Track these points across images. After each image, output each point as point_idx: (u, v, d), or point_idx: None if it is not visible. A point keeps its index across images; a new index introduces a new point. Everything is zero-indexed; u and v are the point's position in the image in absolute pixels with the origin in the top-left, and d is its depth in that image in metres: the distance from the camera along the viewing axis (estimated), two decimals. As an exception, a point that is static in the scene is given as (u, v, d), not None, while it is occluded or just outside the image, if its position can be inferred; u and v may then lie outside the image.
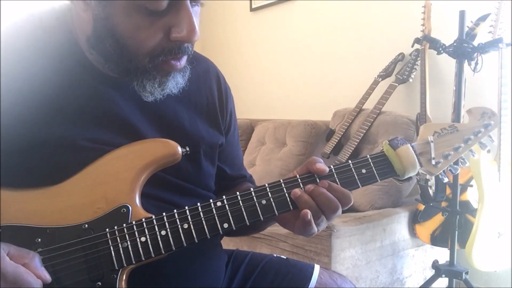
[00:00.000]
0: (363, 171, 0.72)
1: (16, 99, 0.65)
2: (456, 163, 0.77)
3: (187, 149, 0.75)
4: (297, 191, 0.70)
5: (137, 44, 0.66)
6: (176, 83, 0.72)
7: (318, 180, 0.71)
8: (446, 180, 0.79)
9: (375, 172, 0.72)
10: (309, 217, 0.68)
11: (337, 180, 0.72)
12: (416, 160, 0.72)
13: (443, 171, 0.76)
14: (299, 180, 0.71)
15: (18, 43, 0.69)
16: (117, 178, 0.69)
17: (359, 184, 0.72)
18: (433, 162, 0.74)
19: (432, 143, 0.74)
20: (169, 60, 0.69)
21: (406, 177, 0.74)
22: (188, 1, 0.65)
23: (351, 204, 0.71)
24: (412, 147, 0.73)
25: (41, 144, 0.66)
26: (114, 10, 0.64)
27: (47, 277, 0.61)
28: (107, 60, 0.69)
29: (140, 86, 0.70)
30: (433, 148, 0.74)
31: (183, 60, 0.71)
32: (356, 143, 2.05)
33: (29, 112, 0.66)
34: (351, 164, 0.72)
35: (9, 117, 0.65)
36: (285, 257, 0.94)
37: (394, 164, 0.72)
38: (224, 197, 0.70)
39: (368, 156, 0.74)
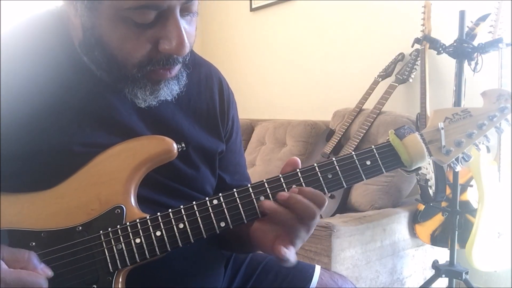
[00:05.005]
0: (368, 162, 0.68)
1: (13, 106, 0.64)
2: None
3: (183, 145, 0.72)
4: (266, 202, 0.65)
5: (124, 55, 0.64)
6: (170, 90, 0.70)
7: (285, 186, 0.67)
8: (458, 168, 0.74)
9: (380, 163, 0.68)
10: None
11: (339, 172, 0.68)
12: (425, 149, 0.68)
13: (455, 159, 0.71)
14: (299, 174, 0.68)
15: (16, 48, 0.67)
16: (110, 178, 0.67)
17: (363, 177, 0.68)
18: (444, 150, 0.69)
19: (442, 130, 0.70)
20: (158, 70, 0.67)
21: (414, 168, 0.70)
22: (177, 13, 0.62)
23: (325, 203, 0.66)
24: (421, 135, 0.69)
25: (36, 150, 0.65)
26: (100, 20, 0.62)
27: (49, 273, 0.61)
28: (98, 68, 0.67)
29: (132, 94, 0.68)
30: (444, 135, 0.69)
31: (175, 70, 0.69)
32: (356, 143, 2.05)
33: (25, 118, 0.65)
34: (354, 156, 0.69)
35: (5, 123, 0.64)
36: (285, 257, 0.93)
37: (400, 155, 0.69)
38: (220, 194, 0.67)
39: (373, 146, 0.70)
